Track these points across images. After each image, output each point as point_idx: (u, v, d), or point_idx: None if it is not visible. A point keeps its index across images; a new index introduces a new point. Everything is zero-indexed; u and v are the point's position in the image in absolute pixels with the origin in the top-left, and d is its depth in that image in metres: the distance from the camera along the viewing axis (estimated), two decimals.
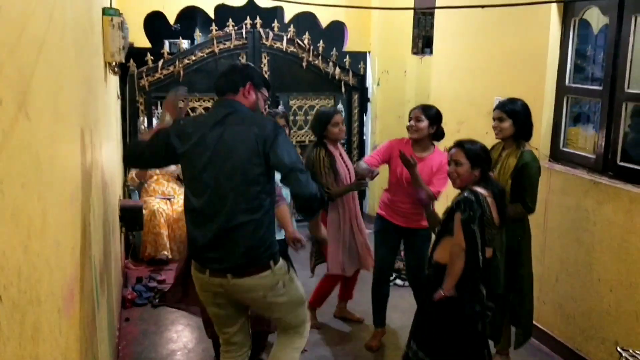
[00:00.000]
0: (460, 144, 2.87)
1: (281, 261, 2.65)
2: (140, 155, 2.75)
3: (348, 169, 3.94)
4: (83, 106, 2.38)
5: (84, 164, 2.22)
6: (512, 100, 3.34)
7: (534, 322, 3.80)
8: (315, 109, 6.37)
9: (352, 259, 3.97)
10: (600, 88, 3.48)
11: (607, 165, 3.42)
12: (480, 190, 2.76)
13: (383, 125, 6.59)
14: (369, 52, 6.62)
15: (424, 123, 3.59)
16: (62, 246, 1.60)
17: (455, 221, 2.73)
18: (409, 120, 3.66)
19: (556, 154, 3.81)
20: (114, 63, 4.09)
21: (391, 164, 3.76)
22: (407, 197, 3.67)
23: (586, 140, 3.80)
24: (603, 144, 3.44)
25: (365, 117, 6.81)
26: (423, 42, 6.36)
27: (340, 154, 3.97)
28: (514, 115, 3.26)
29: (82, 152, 2.24)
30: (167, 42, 8.12)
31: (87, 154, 2.41)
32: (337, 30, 6.53)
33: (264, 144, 2.46)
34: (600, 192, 3.37)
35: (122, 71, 5.76)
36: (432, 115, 3.61)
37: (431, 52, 5.75)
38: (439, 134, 3.68)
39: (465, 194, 2.75)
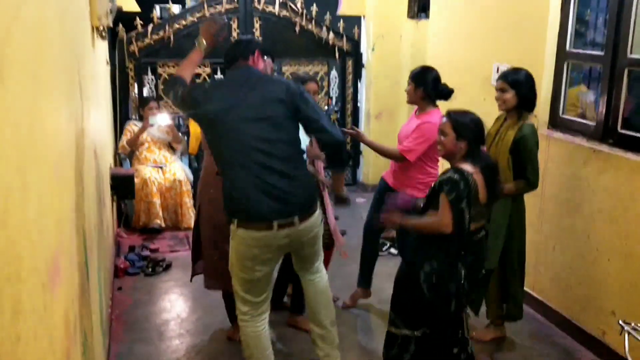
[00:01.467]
0: (448, 114, 2.78)
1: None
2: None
3: None
4: (68, 72, 2.28)
5: (69, 132, 2.14)
6: (515, 70, 3.23)
7: (529, 290, 3.80)
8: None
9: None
10: (601, 53, 3.39)
11: (608, 133, 3.35)
12: (466, 167, 2.66)
13: (378, 91, 6.48)
14: (364, 17, 6.47)
15: (410, 86, 3.57)
16: (47, 219, 1.52)
17: (441, 201, 2.64)
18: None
19: (555, 121, 3.74)
20: (101, 27, 3.96)
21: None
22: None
23: (586, 106, 3.73)
24: (604, 111, 3.37)
25: (359, 84, 6.70)
26: (419, 6, 6.23)
27: None
28: (517, 85, 3.15)
29: (68, 120, 2.15)
30: (157, 7, 7.91)
31: (74, 121, 2.32)
32: None
33: (292, 97, 2.71)
34: (600, 161, 3.31)
35: (111, 37, 5.63)
36: (415, 75, 3.56)
37: (427, 16, 5.62)
38: (438, 93, 3.57)
39: (449, 174, 2.66)
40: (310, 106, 2.74)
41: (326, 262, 4.17)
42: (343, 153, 2.85)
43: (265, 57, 3.01)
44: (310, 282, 3.06)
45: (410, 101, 3.63)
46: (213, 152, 2.85)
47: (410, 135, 3.53)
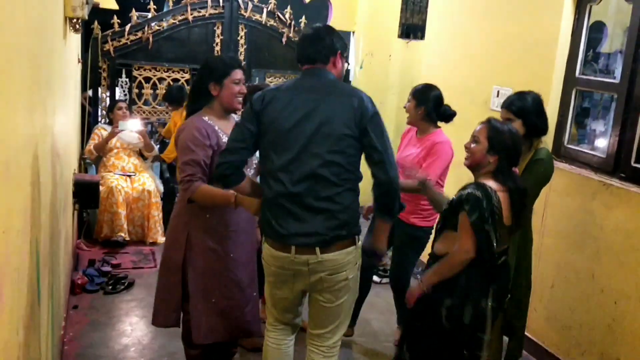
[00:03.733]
0: (488, 121, 2.50)
1: (360, 241, 2.48)
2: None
3: None
4: (31, 60, 1.94)
5: (26, 129, 1.79)
6: (520, 96, 2.94)
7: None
8: None
9: None
10: (616, 81, 3.18)
11: (619, 166, 3.13)
12: (489, 183, 2.40)
13: None
14: (354, 32, 6.24)
15: (411, 103, 3.34)
16: None
17: (461, 222, 2.38)
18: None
19: (560, 151, 3.51)
20: (75, 19, 3.63)
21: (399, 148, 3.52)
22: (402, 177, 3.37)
23: (594, 138, 3.52)
24: (616, 142, 3.14)
25: None
26: (404, 29, 6.05)
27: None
28: (523, 114, 2.87)
29: (27, 114, 1.81)
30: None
31: (34, 117, 1.98)
32: (321, 6, 6.13)
33: (361, 117, 2.31)
34: (611, 195, 3.08)
35: (86, 35, 5.28)
36: (416, 92, 3.34)
37: (422, 37, 5.41)
38: (440, 114, 3.34)
39: (470, 190, 2.39)
40: (376, 134, 2.32)
41: None
42: (396, 200, 2.41)
43: (344, 56, 2.54)
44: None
45: (411, 121, 3.38)
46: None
47: (425, 159, 3.26)
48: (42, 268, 2.17)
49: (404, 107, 3.41)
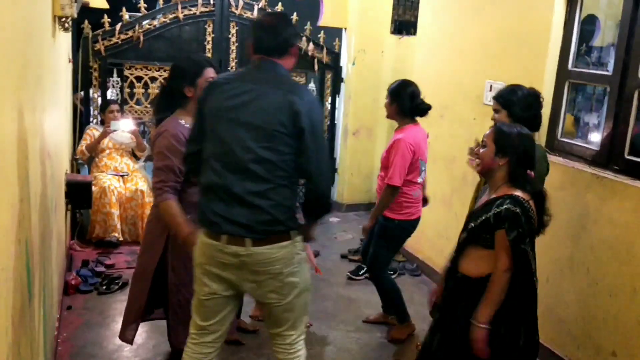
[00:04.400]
0: (495, 124, 2.45)
1: (299, 236, 2.38)
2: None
3: None
4: (19, 58, 1.92)
5: (13, 127, 1.76)
6: (510, 89, 2.94)
7: None
8: None
9: None
10: (608, 73, 3.17)
11: (612, 159, 3.13)
12: (520, 194, 2.30)
13: (357, 107, 6.20)
14: (345, 29, 6.21)
15: (387, 100, 3.49)
16: None
17: (499, 241, 2.27)
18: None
19: (553, 144, 3.51)
20: (64, 18, 3.60)
21: None
22: (382, 172, 3.52)
23: (587, 131, 3.51)
24: (609, 135, 3.14)
25: (337, 98, 6.41)
26: (396, 25, 6.05)
27: None
28: (508, 105, 2.88)
29: (14, 113, 1.78)
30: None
31: (22, 115, 1.95)
32: (312, 2, 6.10)
33: (296, 116, 2.21)
34: (604, 188, 3.07)
35: (77, 34, 5.24)
36: (391, 89, 3.46)
37: (414, 33, 5.40)
38: (414, 109, 3.44)
39: (508, 205, 2.27)
40: (310, 137, 2.23)
41: None
42: (323, 212, 2.42)
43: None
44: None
45: (388, 116, 3.54)
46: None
47: (387, 159, 3.44)
48: (32, 268, 2.15)
49: (384, 105, 3.53)
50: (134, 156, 5.35)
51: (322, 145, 2.32)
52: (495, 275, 2.29)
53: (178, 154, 2.58)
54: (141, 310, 2.87)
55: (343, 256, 5.06)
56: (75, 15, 3.60)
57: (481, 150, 2.41)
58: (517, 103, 2.88)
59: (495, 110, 2.96)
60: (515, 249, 2.24)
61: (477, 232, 2.36)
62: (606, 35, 3.65)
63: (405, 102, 3.41)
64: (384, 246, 3.58)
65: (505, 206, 2.26)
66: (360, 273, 4.58)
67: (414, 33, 5.61)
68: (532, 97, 2.92)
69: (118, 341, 3.45)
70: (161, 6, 5.52)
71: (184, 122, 2.67)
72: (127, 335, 2.97)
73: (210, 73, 2.69)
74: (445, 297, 2.54)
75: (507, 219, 2.24)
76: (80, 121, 5.30)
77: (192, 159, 2.41)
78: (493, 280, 2.29)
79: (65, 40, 4.32)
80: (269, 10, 5.78)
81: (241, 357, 3.39)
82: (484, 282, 2.32)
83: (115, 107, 5.16)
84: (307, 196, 2.35)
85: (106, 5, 5.26)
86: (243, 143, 2.24)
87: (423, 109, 3.45)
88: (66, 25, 3.70)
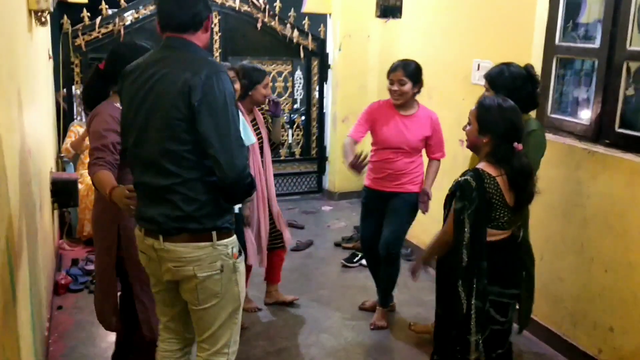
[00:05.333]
0: (479, 102, 2.44)
1: (230, 240, 2.17)
2: None
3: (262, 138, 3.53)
4: None
5: None
6: (499, 70, 2.88)
7: None
8: (271, 75, 5.86)
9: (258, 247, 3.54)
10: (596, 46, 3.12)
11: (603, 133, 3.09)
12: (488, 169, 2.34)
13: (344, 94, 6.14)
14: (330, 15, 6.13)
15: (408, 85, 3.33)
16: None
17: (452, 207, 2.41)
18: (391, 84, 3.36)
19: (543, 121, 3.45)
20: (40, 12, 3.52)
21: (375, 127, 3.45)
22: (393, 154, 3.41)
23: (577, 106, 3.47)
24: (599, 109, 3.10)
25: (325, 85, 6.35)
26: (386, 7, 5.96)
27: (256, 119, 3.53)
28: (495, 86, 2.83)
29: None
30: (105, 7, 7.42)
31: None
32: None
33: (189, 95, 1.95)
34: (596, 163, 3.04)
35: (58, 31, 5.15)
36: (413, 72, 3.33)
37: (400, 16, 5.33)
38: (421, 87, 3.43)
39: (467, 177, 2.34)
40: (206, 118, 1.96)
41: (279, 265, 3.79)
42: (243, 194, 2.14)
43: None
44: None
45: (404, 101, 3.38)
46: None
47: (433, 136, 3.45)
48: (15, 268, 2.09)
49: (391, 91, 3.38)
50: None
51: (225, 122, 1.98)
52: (440, 232, 2.48)
53: (113, 132, 2.44)
54: (115, 301, 2.76)
55: (337, 244, 5.01)
56: (52, 9, 3.51)
57: (467, 128, 2.44)
58: (504, 84, 2.81)
59: (487, 89, 2.92)
60: (455, 218, 2.34)
61: (447, 200, 2.46)
62: (592, 10, 3.59)
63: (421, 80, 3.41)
64: (409, 222, 3.55)
65: (465, 177, 2.35)
66: (354, 260, 4.54)
67: (400, 16, 5.55)
68: (519, 77, 2.84)
69: (110, 339, 3.41)
70: None
71: (119, 105, 2.46)
72: (113, 324, 2.81)
73: None
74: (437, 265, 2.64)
75: (460, 189, 2.33)
76: (64, 119, 5.21)
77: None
78: (437, 234, 2.50)
79: (43, 35, 4.23)
80: None
81: None
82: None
83: None
84: (220, 184, 2.05)
85: (85, 0, 5.16)
86: (149, 135, 2.07)
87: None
88: (42, 19, 3.61)
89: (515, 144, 2.35)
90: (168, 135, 2.02)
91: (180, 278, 2.15)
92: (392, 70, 3.35)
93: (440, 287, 2.57)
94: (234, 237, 2.20)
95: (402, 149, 3.38)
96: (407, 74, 3.31)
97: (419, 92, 3.40)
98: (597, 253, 3.06)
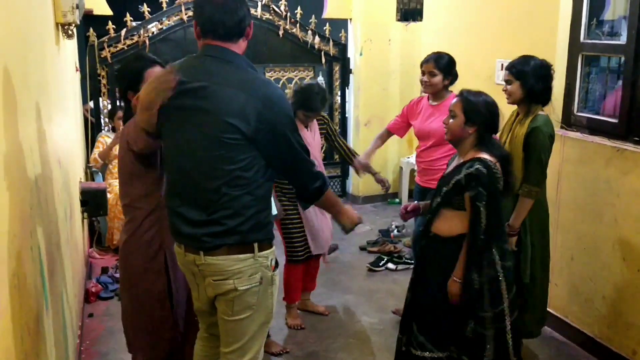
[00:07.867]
0: (461, 93, 2.55)
1: (270, 251, 2.13)
2: None
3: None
4: (18, 65, 1.89)
5: (14, 133, 1.73)
6: (523, 59, 2.90)
7: None
8: (293, 82, 5.90)
9: (318, 240, 3.55)
10: (622, 42, 3.08)
11: (632, 129, 3.04)
12: (487, 157, 2.44)
13: (366, 98, 6.14)
14: (350, 20, 6.14)
15: (438, 77, 3.39)
16: None
17: (468, 202, 2.44)
18: (422, 75, 3.45)
19: (569, 120, 3.42)
20: (67, 25, 3.58)
21: (410, 119, 3.63)
22: (427, 152, 3.47)
23: (604, 103, 3.41)
24: (627, 105, 3.05)
25: (347, 90, 6.35)
26: (407, 11, 5.96)
27: (308, 127, 3.55)
28: (522, 76, 2.85)
29: (14, 118, 1.74)
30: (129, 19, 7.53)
31: (25, 122, 1.92)
32: None
33: (246, 117, 1.93)
34: (626, 160, 2.99)
35: (84, 43, 5.24)
36: (445, 65, 3.38)
37: (421, 19, 5.32)
38: (455, 79, 3.48)
39: (477, 166, 2.41)
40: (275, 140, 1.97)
41: (313, 275, 3.78)
42: (315, 194, 2.17)
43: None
44: None
45: (435, 90, 3.45)
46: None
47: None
48: (47, 275, 2.13)
49: (425, 81, 3.42)
50: None
51: (287, 148, 2.01)
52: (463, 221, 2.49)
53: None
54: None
55: (362, 248, 5.00)
56: (78, 22, 3.58)
57: (451, 121, 2.52)
58: (530, 74, 2.84)
59: (507, 82, 2.92)
60: (472, 205, 2.40)
61: (449, 194, 2.49)
62: (617, 7, 3.55)
63: (454, 72, 3.46)
64: None
65: (475, 166, 2.41)
66: (380, 264, 4.53)
67: (421, 19, 5.54)
68: (544, 68, 2.88)
69: None
70: (164, 9, 5.50)
71: None
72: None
73: (153, 74, 2.34)
74: (418, 256, 2.76)
75: (474, 179, 2.39)
76: (91, 130, 5.30)
77: None
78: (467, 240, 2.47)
79: (70, 48, 4.31)
80: (273, 7, 5.74)
81: None
82: (452, 241, 2.50)
83: (122, 114, 5.14)
84: (295, 190, 2.27)
85: (110, 12, 5.25)
86: (194, 151, 2.01)
87: (457, 76, 3.52)
88: (69, 32, 3.68)
89: (494, 135, 2.53)
90: (217, 156, 1.96)
91: (221, 292, 2.10)
92: (425, 61, 3.43)
93: (418, 273, 2.68)
94: (274, 248, 2.17)
95: (431, 139, 3.41)
96: (439, 66, 3.37)
97: (451, 84, 3.45)
98: (629, 252, 3.00)
